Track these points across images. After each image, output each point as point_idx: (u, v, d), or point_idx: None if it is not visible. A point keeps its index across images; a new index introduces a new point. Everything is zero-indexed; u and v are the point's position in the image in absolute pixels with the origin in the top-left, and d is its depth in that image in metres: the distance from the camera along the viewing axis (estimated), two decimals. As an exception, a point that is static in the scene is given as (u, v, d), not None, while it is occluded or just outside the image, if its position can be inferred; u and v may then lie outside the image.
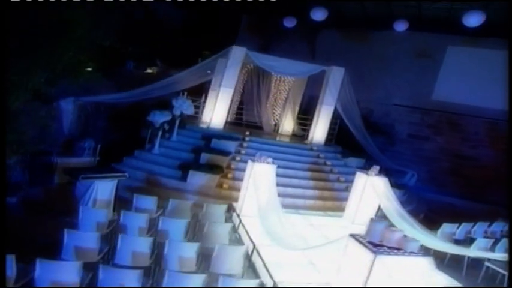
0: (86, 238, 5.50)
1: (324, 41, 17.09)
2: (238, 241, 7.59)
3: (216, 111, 12.87)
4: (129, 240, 5.61)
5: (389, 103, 16.05)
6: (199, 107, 13.60)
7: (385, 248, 4.47)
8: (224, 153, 11.18)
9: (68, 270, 4.48)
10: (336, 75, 13.16)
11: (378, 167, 9.67)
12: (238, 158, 11.37)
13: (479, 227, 9.80)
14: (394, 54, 15.54)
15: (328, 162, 12.46)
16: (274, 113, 15.86)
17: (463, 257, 8.26)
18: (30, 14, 5.92)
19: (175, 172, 10.63)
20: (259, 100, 15.11)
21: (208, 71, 13.47)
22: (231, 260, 5.83)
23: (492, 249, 8.37)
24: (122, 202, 8.51)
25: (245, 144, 12.01)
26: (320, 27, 15.79)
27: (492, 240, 8.53)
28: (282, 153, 11.87)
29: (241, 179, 10.61)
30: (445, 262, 8.02)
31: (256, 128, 14.99)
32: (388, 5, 13.62)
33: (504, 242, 8.51)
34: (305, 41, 17.15)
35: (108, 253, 5.81)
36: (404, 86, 15.65)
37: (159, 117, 10.83)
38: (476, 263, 8.29)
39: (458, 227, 9.41)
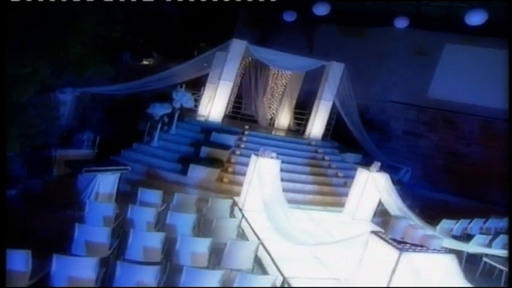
0: (96, 233, 5.42)
1: (322, 35, 17.07)
2: (242, 236, 7.60)
3: (215, 105, 12.79)
4: (141, 235, 5.55)
5: (386, 100, 16.14)
6: (197, 100, 13.47)
7: (409, 245, 4.53)
8: (224, 147, 11.13)
9: (85, 266, 4.41)
10: (335, 71, 13.19)
11: (379, 163, 9.75)
12: (238, 152, 11.34)
13: (476, 224, 10.03)
14: (392, 51, 15.58)
15: (327, 158, 12.52)
16: (270, 107, 15.82)
17: (460, 252, 8.43)
18: (38, 5, 5.74)
19: (175, 165, 10.55)
20: (257, 94, 15.04)
21: (205, 64, 13.34)
22: (242, 255, 5.83)
23: (489, 245, 8.59)
24: (122, 195, 8.46)
25: (244, 138, 11.98)
26: (319, 21, 15.76)
27: (490, 237, 8.74)
28: (281, 147, 11.85)
29: (241, 174, 10.61)
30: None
31: (251, 121, 14.94)
32: (388, 2, 13.66)
33: (502, 238, 8.74)
34: (303, 35, 17.09)
35: (118, 248, 5.73)
36: (401, 83, 15.75)
37: (159, 110, 10.71)
38: (473, 258, 8.48)
39: (456, 224, 9.62)
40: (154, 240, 5.53)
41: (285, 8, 14.94)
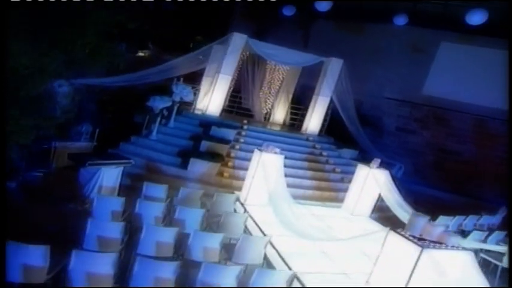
0: (109, 228, 5.37)
1: (318, 30, 17.04)
2: (245, 231, 7.63)
3: (213, 98, 12.71)
4: (153, 230, 5.51)
5: (380, 96, 16.25)
6: (195, 94, 13.34)
7: (429, 242, 4.63)
8: (224, 141, 11.10)
9: (103, 262, 4.37)
10: (334, 67, 13.24)
11: (379, 160, 9.90)
12: (237, 147, 11.33)
13: (470, 220, 10.30)
14: (389, 47, 15.65)
15: (324, 153, 12.61)
16: (266, 101, 15.81)
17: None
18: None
19: (175, 159, 10.48)
20: (253, 88, 15.00)
21: (200, 57, 13.22)
22: (253, 251, 5.86)
23: (485, 241, 8.86)
24: (123, 189, 8.37)
25: (243, 133, 11.97)
26: (317, 16, 15.76)
27: (486, 233, 9.01)
28: (280, 142, 11.83)
29: (241, 168, 10.63)
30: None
31: (247, 116, 14.91)
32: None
33: (496, 234, 9.03)
34: (299, 30, 17.08)
35: (128, 243, 5.69)
36: (396, 80, 15.85)
37: (159, 103, 10.59)
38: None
39: (452, 220, 9.86)
40: (167, 235, 5.51)
41: (284, 2, 14.88)
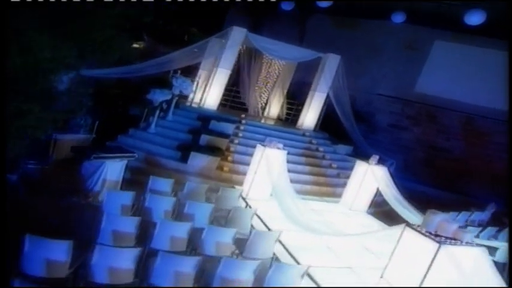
0: (123, 222, 5.37)
1: (314, 25, 17.09)
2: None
3: (211, 92, 12.68)
4: (167, 225, 5.53)
5: (373, 92, 16.42)
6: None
7: (445, 238, 4.80)
8: (223, 135, 11.13)
9: (126, 257, 4.39)
10: (331, 63, 13.35)
11: (377, 156, 10.10)
12: (236, 141, 11.37)
13: (463, 216, 10.63)
14: (384, 44, 15.82)
15: (321, 149, 12.76)
16: (261, 95, 15.84)
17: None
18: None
19: (174, 153, 10.46)
20: (249, 82, 15.01)
21: (195, 50, 13.13)
22: (264, 245, 5.95)
23: (478, 236, 9.16)
24: (125, 183, 8.34)
25: (242, 127, 12.00)
26: (314, 11, 15.79)
27: (480, 229, 9.33)
28: (278, 137, 11.85)
29: (240, 163, 10.70)
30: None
31: (242, 109, 14.92)
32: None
33: (488, 230, 9.38)
34: (295, 24, 17.09)
35: (142, 238, 5.69)
36: (390, 76, 16.04)
37: (159, 96, 10.52)
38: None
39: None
40: (180, 230, 5.54)
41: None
